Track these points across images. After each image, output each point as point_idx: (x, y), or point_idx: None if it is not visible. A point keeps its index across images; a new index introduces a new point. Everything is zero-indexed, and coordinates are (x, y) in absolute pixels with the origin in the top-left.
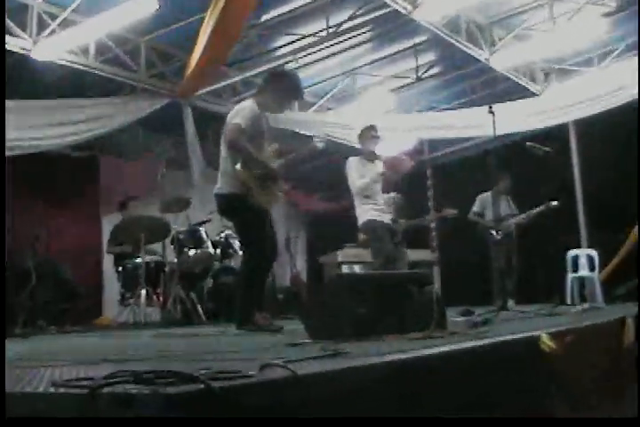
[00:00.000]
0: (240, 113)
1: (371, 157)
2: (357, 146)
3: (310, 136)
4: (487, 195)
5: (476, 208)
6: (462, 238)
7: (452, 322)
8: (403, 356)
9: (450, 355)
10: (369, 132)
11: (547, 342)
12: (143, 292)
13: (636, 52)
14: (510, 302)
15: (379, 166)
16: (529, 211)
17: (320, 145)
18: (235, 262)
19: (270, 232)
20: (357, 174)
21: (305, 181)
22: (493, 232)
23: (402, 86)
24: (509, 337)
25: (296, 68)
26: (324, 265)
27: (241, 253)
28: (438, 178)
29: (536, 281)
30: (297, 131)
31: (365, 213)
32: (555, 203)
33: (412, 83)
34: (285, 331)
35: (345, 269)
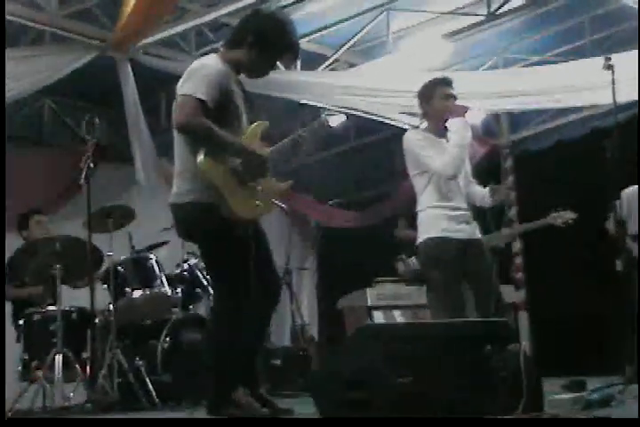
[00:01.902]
0: (195, 77)
1: (440, 130)
2: (414, 116)
3: (318, 108)
4: (633, 194)
5: (618, 213)
6: (570, 265)
7: (553, 401)
8: None
9: None
10: (438, 90)
11: None
12: (58, 358)
13: None
14: None
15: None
16: None
17: (331, 121)
18: (206, 309)
19: (264, 258)
20: (432, 151)
21: (310, 178)
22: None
23: (464, 28)
24: None
25: (294, 3)
26: (346, 312)
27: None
28: (524, 172)
29: None
30: (296, 100)
31: (432, 223)
32: None
33: (481, 23)
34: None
35: (379, 317)
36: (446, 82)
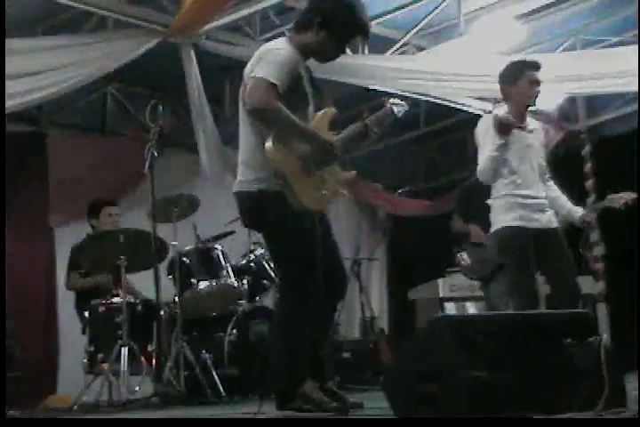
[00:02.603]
0: (266, 60)
1: (520, 116)
2: (486, 101)
3: (385, 95)
4: None
5: None
6: None
7: (635, 397)
8: None
9: None
10: (525, 74)
11: None
12: (124, 351)
13: None
14: None
15: (535, 135)
16: None
17: (398, 109)
18: (273, 300)
19: (329, 249)
20: (490, 138)
21: (379, 166)
22: None
23: (538, 9)
24: None
25: None
26: (417, 303)
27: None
28: (603, 159)
29: None
30: (363, 85)
31: (507, 211)
32: None
33: (556, 2)
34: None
35: (451, 308)
36: (535, 66)
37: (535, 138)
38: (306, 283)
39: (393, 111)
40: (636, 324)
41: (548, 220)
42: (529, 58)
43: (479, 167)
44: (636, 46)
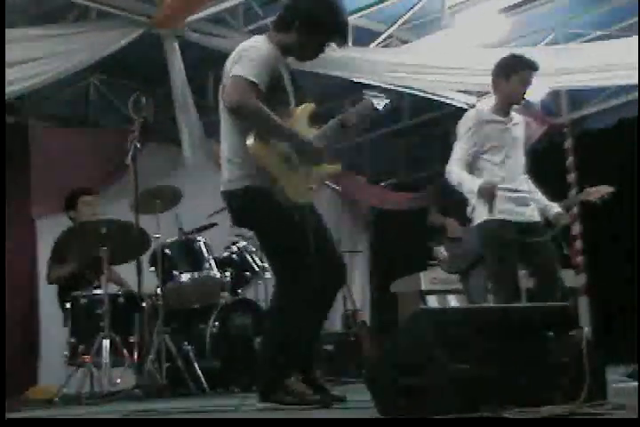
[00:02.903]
0: (246, 59)
1: (505, 110)
2: (470, 94)
3: (367, 87)
4: None
5: None
6: (633, 248)
7: (616, 389)
8: None
9: None
10: (521, 72)
11: None
12: (106, 343)
13: None
14: None
15: (519, 128)
16: None
17: (378, 102)
18: (255, 292)
19: (324, 239)
20: (469, 134)
21: (363, 159)
22: None
23: (522, 2)
24: None
25: None
26: (400, 296)
27: (267, 277)
28: (585, 153)
29: None
30: (347, 78)
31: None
32: None
33: None
34: (343, 403)
35: (433, 301)
36: (532, 66)
37: (519, 131)
38: (300, 277)
39: (373, 104)
40: (636, 320)
41: (531, 213)
42: (528, 57)
43: (448, 167)
44: (620, 40)
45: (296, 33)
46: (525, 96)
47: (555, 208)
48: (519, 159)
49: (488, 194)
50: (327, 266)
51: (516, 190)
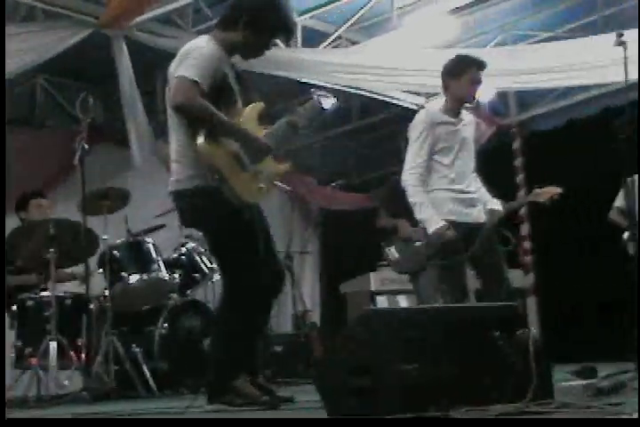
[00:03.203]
0: (189, 59)
1: (455, 110)
2: (419, 95)
3: (310, 89)
4: None
5: (620, 202)
6: (578, 250)
7: (562, 388)
8: None
9: None
10: (469, 71)
11: None
12: (53, 346)
13: None
14: None
15: (469, 129)
16: None
17: (326, 102)
18: (204, 294)
19: (266, 243)
20: (422, 138)
21: (312, 160)
22: None
23: (470, 4)
24: None
25: None
26: (349, 296)
27: (217, 278)
28: (533, 153)
29: None
30: (296, 79)
31: (438, 206)
32: None
33: None
34: (292, 405)
35: (382, 301)
36: (481, 66)
37: (469, 132)
38: (249, 278)
39: (321, 104)
40: (636, 322)
41: (478, 214)
42: (476, 56)
43: (404, 178)
44: (567, 41)
45: (241, 31)
46: (475, 96)
47: (491, 204)
48: (469, 160)
49: (438, 238)
50: (269, 270)
51: (464, 191)
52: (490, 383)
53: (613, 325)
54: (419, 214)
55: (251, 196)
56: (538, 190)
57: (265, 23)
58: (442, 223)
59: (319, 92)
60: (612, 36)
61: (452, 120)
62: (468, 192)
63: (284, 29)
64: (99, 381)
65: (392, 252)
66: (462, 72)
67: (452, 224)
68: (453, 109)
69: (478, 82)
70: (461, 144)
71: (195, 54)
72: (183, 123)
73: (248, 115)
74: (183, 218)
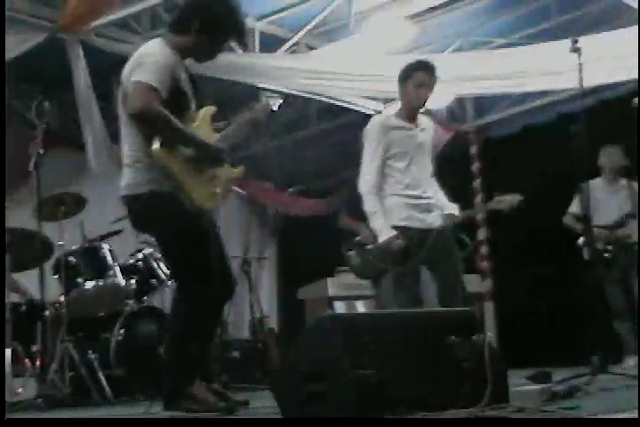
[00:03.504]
0: (145, 64)
1: (410, 116)
2: (377, 100)
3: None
4: (597, 184)
5: (575, 207)
6: (534, 256)
7: (518, 393)
8: None
9: None
10: (414, 75)
11: None
12: (7, 353)
13: None
14: (631, 361)
15: (426, 134)
16: None
17: (273, 102)
18: (161, 300)
19: (218, 249)
20: (375, 143)
21: (270, 165)
22: (602, 246)
23: (428, 10)
24: (612, 417)
25: None
26: (306, 302)
27: (171, 285)
28: (490, 159)
29: None
30: (253, 84)
31: (393, 211)
32: None
33: (447, 3)
34: (249, 410)
35: (340, 307)
36: (424, 67)
37: (426, 137)
38: (201, 283)
39: (269, 105)
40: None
41: (434, 220)
42: (422, 59)
43: (360, 185)
44: (524, 48)
45: (194, 34)
46: (429, 100)
47: (449, 209)
48: (425, 165)
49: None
50: (221, 277)
51: (419, 197)
52: (446, 388)
53: (568, 330)
54: (371, 223)
55: (206, 201)
56: (499, 198)
57: (217, 26)
58: (391, 233)
59: (267, 94)
60: (567, 43)
61: (407, 125)
62: (424, 197)
63: (236, 32)
64: (54, 388)
65: (352, 256)
66: (407, 76)
67: (406, 230)
68: (408, 114)
69: (424, 84)
70: (417, 149)
71: (150, 59)
72: (138, 128)
73: (201, 119)
74: (135, 222)
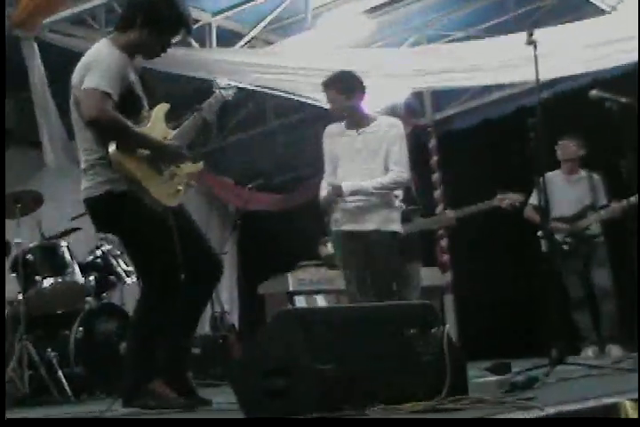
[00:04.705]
0: (96, 69)
1: (353, 121)
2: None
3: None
4: (555, 176)
5: (534, 199)
6: (494, 248)
7: (477, 384)
8: None
9: None
10: (336, 84)
11: (631, 414)
12: None
13: None
14: (590, 351)
15: (370, 136)
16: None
17: (227, 93)
18: (120, 297)
19: (196, 238)
20: (325, 152)
21: (229, 161)
22: (561, 237)
23: (385, 4)
24: (570, 407)
25: None
26: (267, 297)
27: (132, 281)
28: (448, 153)
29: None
30: (209, 79)
31: (335, 215)
32: None
33: None
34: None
35: (301, 302)
36: (324, 85)
37: (372, 138)
38: (165, 280)
39: (223, 96)
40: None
41: (369, 223)
42: (392, 56)
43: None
44: (480, 41)
45: (140, 31)
46: (386, 94)
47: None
48: (358, 168)
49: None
50: (203, 263)
51: (357, 200)
52: (405, 381)
53: (527, 321)
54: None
55: (167, 198)
56: (502, 196)
57: (162, 20)
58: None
59: (220, 85)
60: (523, 36)
61: (347, 131)
62: (362, 200)
63: (181, 24)
64: (12, 387)
65: (327, 248)
66: (332, 87)
67: (348, 235)
68: (348, 120)
69: (330, 100)
70: (354, 154)
71: (100, 63)
72: (94, 134)
73: (155, 117)
74: (98, 224)
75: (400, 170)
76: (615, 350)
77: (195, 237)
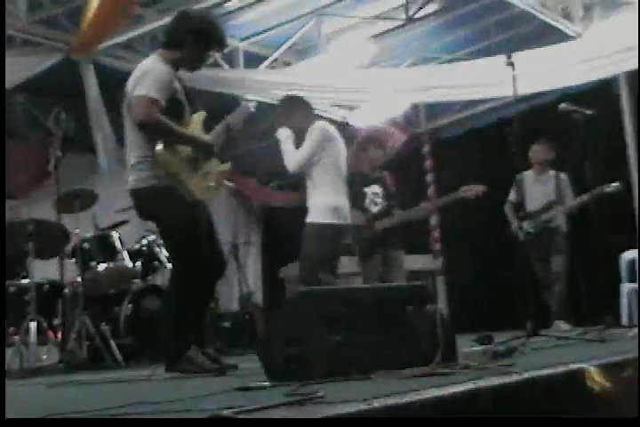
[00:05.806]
0: (145, 78)
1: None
2: (343, 108)
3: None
4: (528, 175)
5: (512, 196)
6: (479, 238)
7: (465, 353)
8: (396, 400)
9: (461, 397)
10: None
11: (595, 379)
12: (33, 325)
13: None
14: (561, 324)
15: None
16: (581, 196)
17: (251, 104)
18: (162, 279)
19: (211, 235)
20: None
21: (254, 164)
22: (529, 229)
23: (387, 31)
24: (543, 372)
25: (238, 10)
26: (287, 280)
27: (169, 265)
28: (440, 157)
29: (579, 295)
30: (240, 95)
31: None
32: (614, 185)
33: (402, 26)
34: (237, 371)
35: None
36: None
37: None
38: (194, 264)
39: (247, 107)
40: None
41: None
42: (392, 75)
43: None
44: (467, 62)
45: (189, 48)
46: (390, 107)
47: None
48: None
49: None
50: (214, 257)
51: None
52: (404, 350)
53: (506, 300)
54: None
55: (201, 193)
56: (465, 187)
57: (207, 38)
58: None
59: (244, 99)
60: (503, 58)
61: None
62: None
63: (221, 44)
64: (73, 354)
65: None
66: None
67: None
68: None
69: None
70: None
71: (150, 74)
72: (143, 134)
73: (195, 122)
74: (140, 212)
75: None
76: (563, 326)
77: (211, 233)
